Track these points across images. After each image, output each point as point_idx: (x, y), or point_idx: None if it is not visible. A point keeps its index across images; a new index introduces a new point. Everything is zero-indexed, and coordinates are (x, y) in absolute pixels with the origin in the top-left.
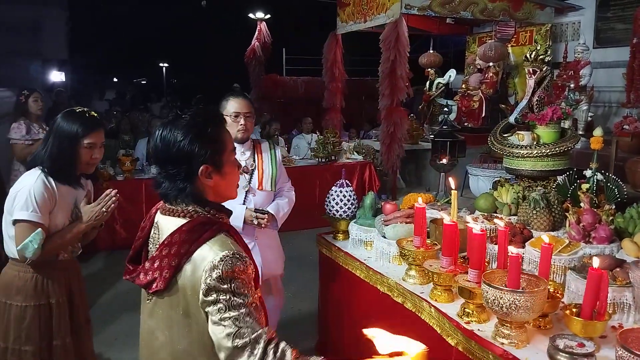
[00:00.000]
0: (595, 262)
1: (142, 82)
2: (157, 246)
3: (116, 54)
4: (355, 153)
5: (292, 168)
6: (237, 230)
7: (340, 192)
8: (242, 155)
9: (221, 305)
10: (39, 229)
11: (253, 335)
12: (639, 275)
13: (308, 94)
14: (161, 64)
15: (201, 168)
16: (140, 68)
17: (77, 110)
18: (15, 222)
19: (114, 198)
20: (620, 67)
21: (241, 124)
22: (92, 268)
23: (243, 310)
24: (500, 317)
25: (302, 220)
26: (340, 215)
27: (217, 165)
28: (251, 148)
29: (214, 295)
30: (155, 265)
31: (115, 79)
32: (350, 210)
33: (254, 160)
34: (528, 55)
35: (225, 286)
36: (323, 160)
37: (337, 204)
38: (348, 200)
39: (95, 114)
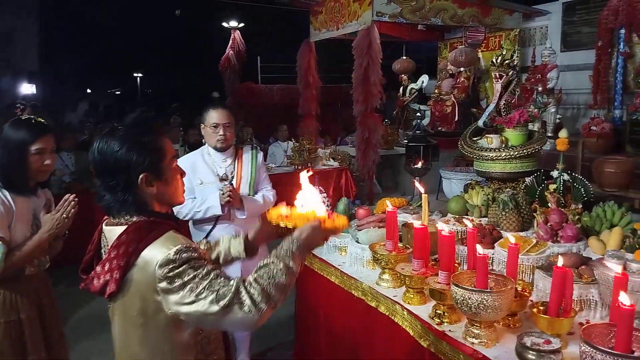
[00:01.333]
0: (560, 261)
1: (117, 92)
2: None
3: (89, 64)
4: (331, 159)
5: (268, 176)
6: (188, 231)
7: None
8: (223, 162)
9: (191, 284)
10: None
11: (232, 289)
12: (603, 273)
13: (284, 102)
14: (135, 74)
15: (140, 176)
16: (114, 78)
17: (24, 118)
18: None
19: (73, 203)
20: (587, 70)
21: (220, 134)
22: (66, 283)
23: (212, 274)
24: (469, 317)
25: None
26: None
27: (157, 173)
28: (232, 155)
29: (179, 281)
30: (106, 268)
31: (88, 90)
32: None
33: (234, 168)
34: (494, 60)
35: (185, 269)
36: (299, 167)
37: None
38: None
39: (43, 120)
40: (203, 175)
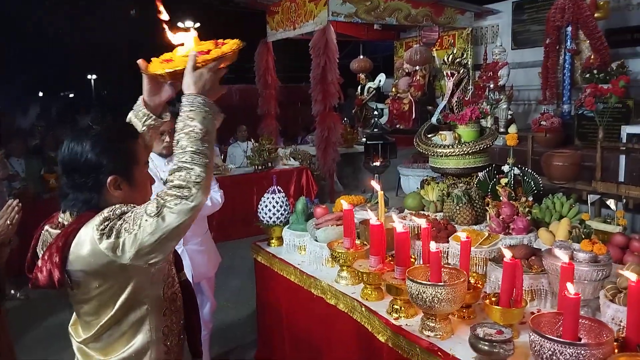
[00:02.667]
0: (507, 254)
1: (70, 95)
2: None
3: (41, 67)
4: (291, 159)
5: (228, 177)
6: None
7: (273, 198)
8: (166, 166)
9: (125, 225)
10: None
11: (155, 199)
12: (551, 263)
13: (243, 102)
14: (89, 76)
15: (110, 178)
16: (68, 81)
17: None
18: None
19: (16, 208)
20: (537, 67)
21: (167, 141)
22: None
23: (135, 208)
24: (425, 311)
25: (241, 229)
26: (274, 221)
27: (127, 177)
28: None
29: (114, 231)
30: (46, 257)
31: (40, 94)
32: (283, 217)
33: None
34: (445, 59)
35: (116, 221)
36: (259, 167)
37: (269, 210)
38: (281, 207)
39: None
40: None
